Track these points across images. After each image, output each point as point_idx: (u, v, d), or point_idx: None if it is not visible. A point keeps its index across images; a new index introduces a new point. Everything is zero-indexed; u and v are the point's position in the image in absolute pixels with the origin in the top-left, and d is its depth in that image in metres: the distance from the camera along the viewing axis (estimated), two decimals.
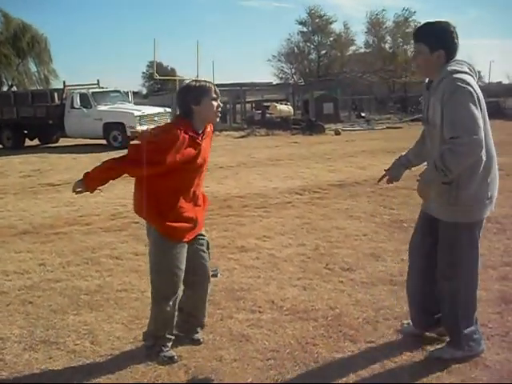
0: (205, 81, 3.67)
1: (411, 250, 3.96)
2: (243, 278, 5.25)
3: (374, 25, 50.09)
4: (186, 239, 3.67)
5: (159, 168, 3.42)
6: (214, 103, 3.61)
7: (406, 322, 4.10)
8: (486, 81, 55.56)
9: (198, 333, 3.98)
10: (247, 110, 31.62)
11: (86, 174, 3.46)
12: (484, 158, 3.31)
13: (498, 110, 36.05)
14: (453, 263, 3.55)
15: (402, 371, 3.51)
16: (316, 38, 53.13)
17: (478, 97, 3.26)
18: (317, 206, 8.55)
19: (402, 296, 4.69)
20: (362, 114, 32.64)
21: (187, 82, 3.75)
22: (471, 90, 3.23)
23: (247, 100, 34.00)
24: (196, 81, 3.66)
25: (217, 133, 25.11)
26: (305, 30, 53.01)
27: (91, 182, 3.46)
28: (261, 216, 7.88)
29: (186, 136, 3.45)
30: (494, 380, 3.37)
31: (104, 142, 19.67)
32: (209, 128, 3.72)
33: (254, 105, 34.12)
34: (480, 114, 3.24)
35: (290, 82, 51.42)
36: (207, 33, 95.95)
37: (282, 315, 4.36)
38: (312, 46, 53.80)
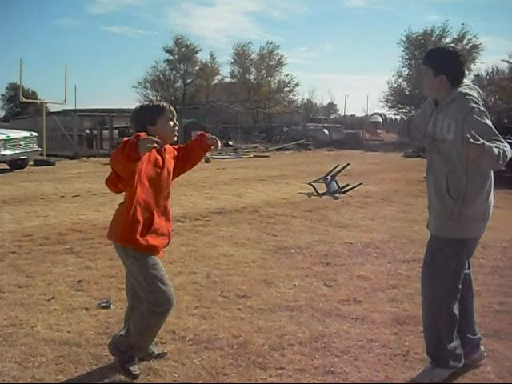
0: (159, 101, 3.70)
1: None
2: None
3: (240, 56, 51.37)
4: (160, 256, 3.75)
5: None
6: (170, 123, 3.63)
7: None
8: (342, 114, 58.78)
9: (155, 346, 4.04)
10: (114, 137, 30.90)
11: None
12: (492, 176, 3.52)
13: (358, 141, 38.18)
14: (435, 275, 3.67)
15: None
16: (182, 67, 53.59)
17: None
18: (201, 233, 8.49)
19: (302, 321, 4.78)
20: (230, 143, 33.04)
21: (142, 102, 3.85)
22: (484, 110, 3.41)
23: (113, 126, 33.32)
24: (150, 101, 3.70)
25: (84, 159, 24.37)
26: (171, 58, 53.35)
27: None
28: None
29: None
30: None
31: None
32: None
33: (119, 131, 33.46)
34: None
35: None
36: (70, 56, 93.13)
37: (186, 346, 4.24)
38: (178, 74, 54.19)
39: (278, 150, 32.23)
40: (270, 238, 8.15)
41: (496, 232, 8.70)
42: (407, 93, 51.82)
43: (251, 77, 52.23)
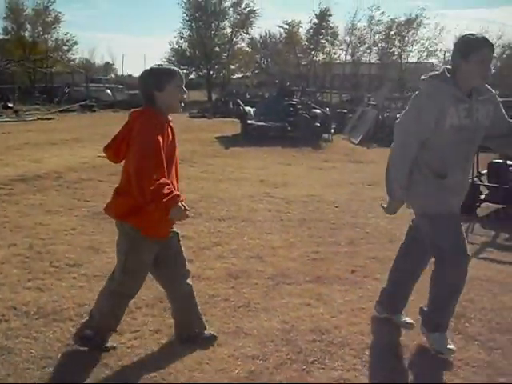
0: (168, 66, 3.43)
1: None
2: None
3: (14, 11, 47.78)
4: (167, 236, 3.50)
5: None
6: (179, 90, 3.33)
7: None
8: (120, 73, 58.11)
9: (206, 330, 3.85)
10: None
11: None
12: None
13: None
14: None
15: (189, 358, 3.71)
16: None
17: None
18: (7, 202, 8.05)
19: (149, 285, 4.82)
20: (10, 105, 30.90)
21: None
22: None
23: None
24: (159, 65, 3.36)
25: None
26: None
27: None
28: None
29: (162, 119, 3.28)
30: (258, 348, 3.80)
31: None
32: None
33: None
34: None
35: None
36: None
37: (33, 320, 4.12)
38: None
39: (61, 111, 30.88)
40: (83, 204, 8.03)
41: (295, 188, 9.50)
42: (188, 54, 52.46)
43: (26, 34, 49.04)
